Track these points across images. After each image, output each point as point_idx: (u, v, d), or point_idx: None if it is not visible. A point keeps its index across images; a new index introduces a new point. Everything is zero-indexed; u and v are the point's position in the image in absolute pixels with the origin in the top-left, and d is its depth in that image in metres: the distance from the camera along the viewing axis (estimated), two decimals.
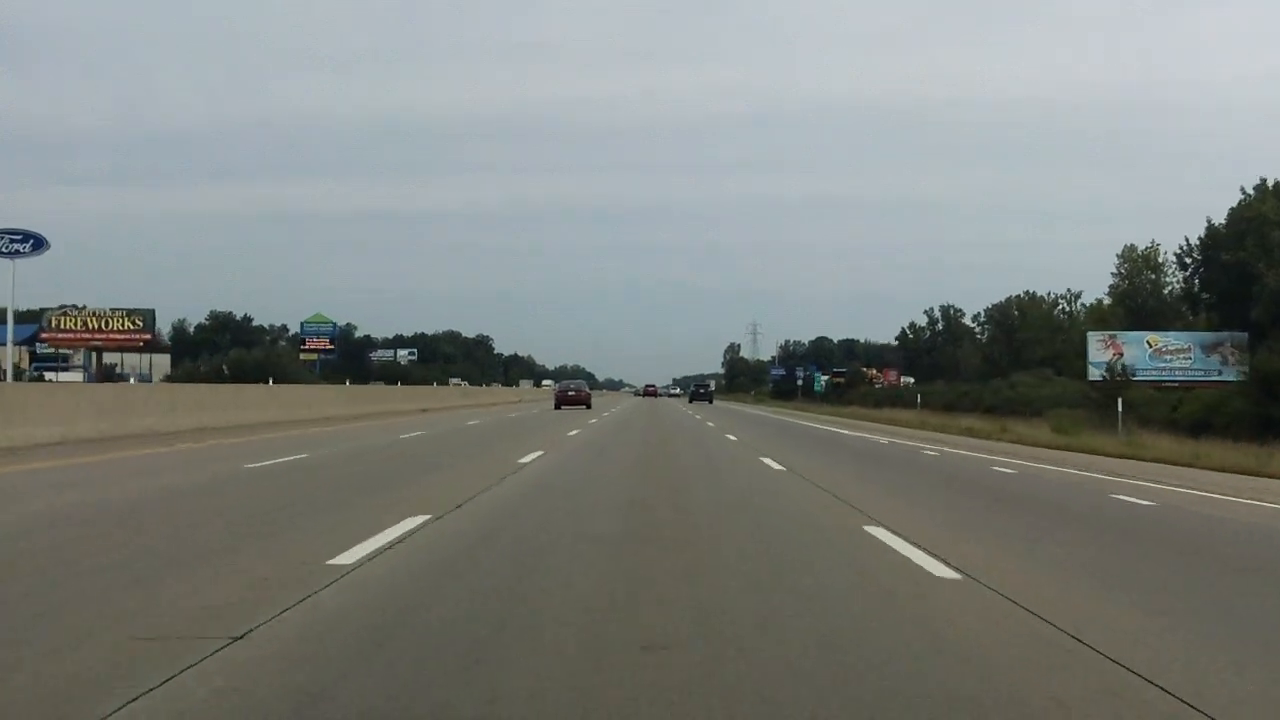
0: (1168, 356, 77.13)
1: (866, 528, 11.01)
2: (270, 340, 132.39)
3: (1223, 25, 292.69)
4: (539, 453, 21.64)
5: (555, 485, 15.29)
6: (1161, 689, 5.10)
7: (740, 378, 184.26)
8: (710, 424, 42.65)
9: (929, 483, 17.51)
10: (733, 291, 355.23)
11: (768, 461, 20.71)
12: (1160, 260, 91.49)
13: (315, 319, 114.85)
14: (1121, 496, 15.65)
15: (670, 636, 6.01)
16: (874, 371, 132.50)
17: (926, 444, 30.51)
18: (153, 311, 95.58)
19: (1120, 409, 33.86)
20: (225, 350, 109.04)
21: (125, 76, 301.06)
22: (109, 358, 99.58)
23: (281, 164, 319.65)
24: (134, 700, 4.72)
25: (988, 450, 27.97)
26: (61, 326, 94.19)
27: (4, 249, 53.80)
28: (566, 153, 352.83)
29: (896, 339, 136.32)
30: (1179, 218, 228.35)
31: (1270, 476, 19.96)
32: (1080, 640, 6.05)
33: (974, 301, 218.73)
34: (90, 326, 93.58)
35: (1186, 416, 50.21)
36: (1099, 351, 76.87)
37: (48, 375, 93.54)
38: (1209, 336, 77.74)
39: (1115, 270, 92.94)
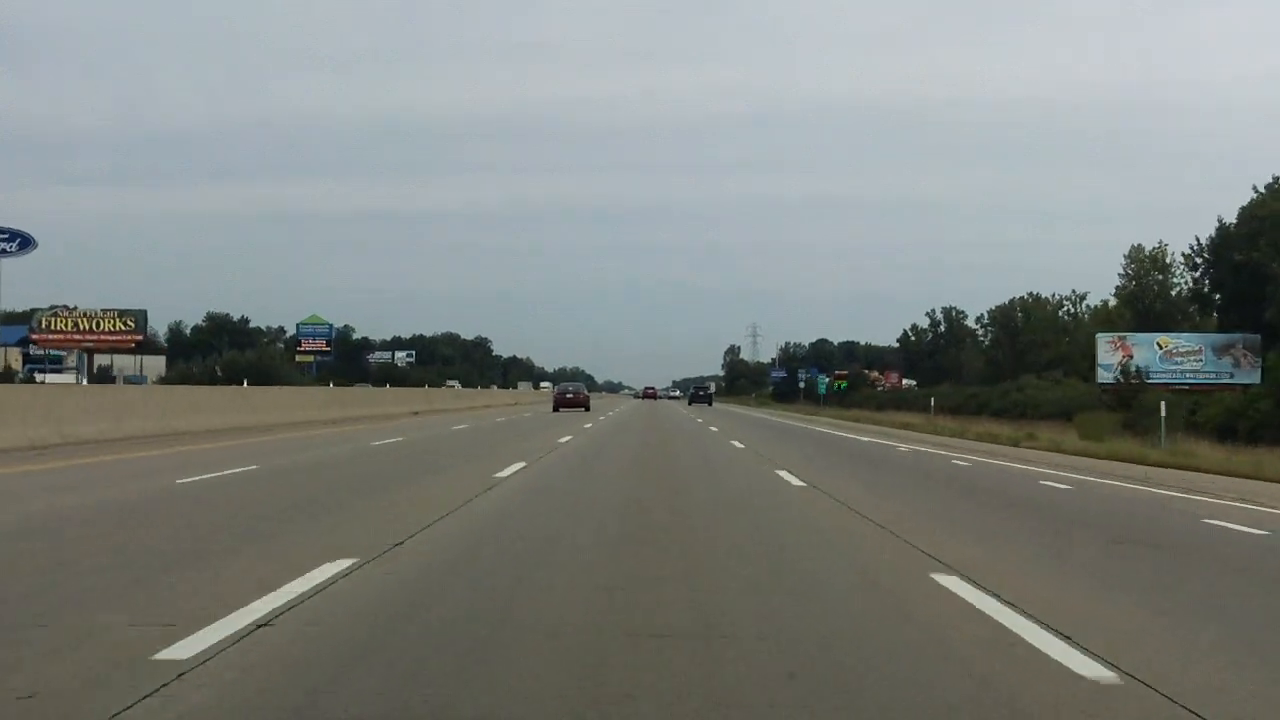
0: (1178, 359, 74.37)
1: (937, 577, 8.10)
2: (267, 342, 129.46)
3: (1223, 25, 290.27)
4: (520, 464, 18.70)
5: (527, 515, 12.37)
6: None
7: (740, 380, 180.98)
8: (714, 429, 39.74)
9: (982, 504, 14.50)
10: (733, 292, 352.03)
11: (785, 476, 17.76)
12: (1168, 261, 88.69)
13: (311, 320, 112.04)
14: (1217, 522, 12.70)
15: None
16: (875, 374, 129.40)
17: (950, 452, 27.57)
18: (144, 312, 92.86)
19: (1163, 414, 30.93)
20: (221, 352, 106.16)
21: (125, 76, 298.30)
22: (105, 360, 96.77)
23: (281, 164, 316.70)
24: None
25: (1019, 459, 25.01)
26: (52, 328, 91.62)
27: None
28: (566, 153, 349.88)
29: (898, 341, 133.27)
30: (1179, 218, 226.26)
31: None
32: None
33: (974, 302, 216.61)
34: (81, 328, 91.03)
35: (1208, 421, 47.54)
36: (1108, 354, 74.13)
37: (39, 377, 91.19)
38: (1221, 338, 75.05)
39: (1122, 271, 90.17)
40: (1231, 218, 76.77)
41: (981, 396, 73.01)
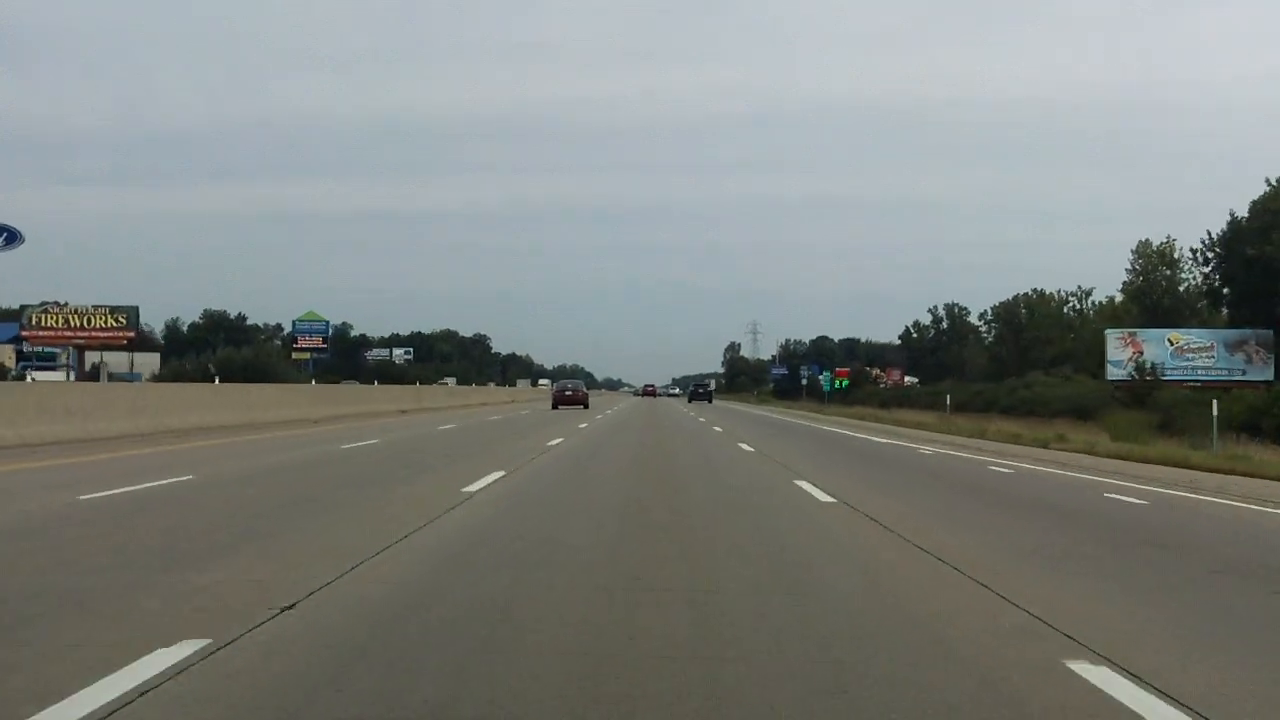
0: (1189, 355, 71.71)
1: (1076, 666, 5.25)
2: (264, 339, 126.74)
3: (1223, 25, 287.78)
4: (498, 474, 15.80)
5: (488, 549, 9.49)
6: None
7: (741, 377, 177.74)
8: (717, 429, 36.87)
9: (1065, 531, 11.61)
10: (733, 291, 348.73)
11: (807, 489, 14.87)
12: (1176, 256, 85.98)
13: (307, 317, 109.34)
14: None
15: None
16: (877, 371, 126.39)
17: (981, 456, 24.68)
18: (136, 308, 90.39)
19: (1215, 413, 28.08)
20: (216, 350, 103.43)
21: (125, 76, 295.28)
22: (98, 356, 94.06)
23: (281, 164, 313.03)
24: None
25: (1060, 463, 22.10)
26: (42, 324, 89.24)
27: None
28: (566, 153, 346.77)
29: (900, 338, 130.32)
30: (1179, 217, 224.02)
31: None
32: None
33: (975, 301, 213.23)
34: (72, 324, 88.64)
35: (1232, 419, 45.13)
36: (1118, 350, 71.49)
37: (31, 375, 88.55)
38: (1233, 334, 72.37)
39: (1129, 266, 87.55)
40: (1243, 211, 74.04)
41: (988, 394, 70.19)
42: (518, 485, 14.62)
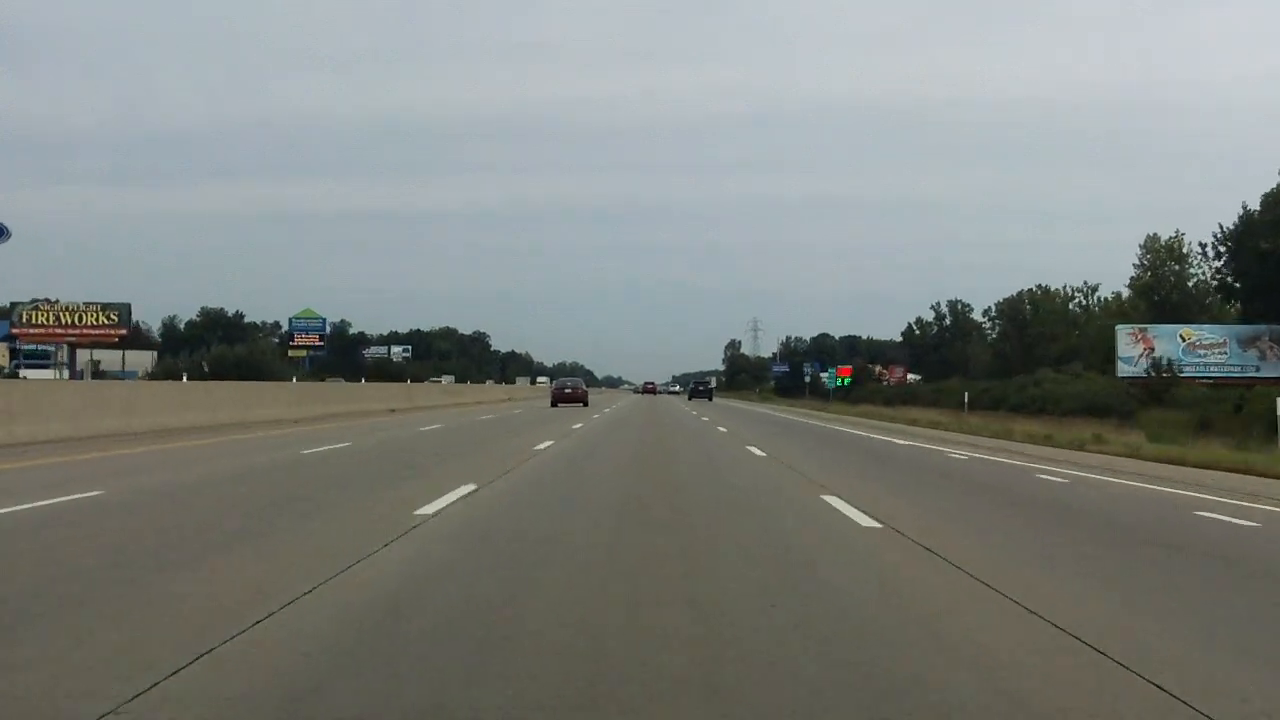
0: (1201, 351, 69.08)
1: None
2: (261, 337, 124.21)
3: (1223, 25, 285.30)
4: (469, 487, 13.07)
5: (419, 613, 6.78)
6: None
7: (741, 375, 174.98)
8: (721, 429, 34.18)
9: (1191, 568, 8.90)
10: (733, 291, 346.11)
11: (839, 506, 12.15)
12: (1184, 250, 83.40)
13: (304, 314, 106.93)
14: None
15: None
16: (880, 368, 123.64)
17: (1019, 460, 21.99)
18: (128, 306, 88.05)
19: (1279, 413, 25.46)
20: (210, 347, 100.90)
21: (125, 76, 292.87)
22: (94, 354, 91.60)
23: (281, 164, 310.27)
24: None
25: (1113, 470, 19.41)
26: (33, 321, 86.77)
27: None
28: (566, 153, 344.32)
29: (902, 335, 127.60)
30: (1179, 217, 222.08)
31: None
32: None
33: (975, 301, 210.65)
34: (64, 321, 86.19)
35: (1258, 416, 42.60)
36: (1128, 346, 68.95)
37: (23, 373, 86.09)
38: (1246, 329, 69.73)
39: (1137, 261, 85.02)
40: (1255, 205, 71.40)
41: (996, 391, 67.57)
42: (489, 504, 11.92)
